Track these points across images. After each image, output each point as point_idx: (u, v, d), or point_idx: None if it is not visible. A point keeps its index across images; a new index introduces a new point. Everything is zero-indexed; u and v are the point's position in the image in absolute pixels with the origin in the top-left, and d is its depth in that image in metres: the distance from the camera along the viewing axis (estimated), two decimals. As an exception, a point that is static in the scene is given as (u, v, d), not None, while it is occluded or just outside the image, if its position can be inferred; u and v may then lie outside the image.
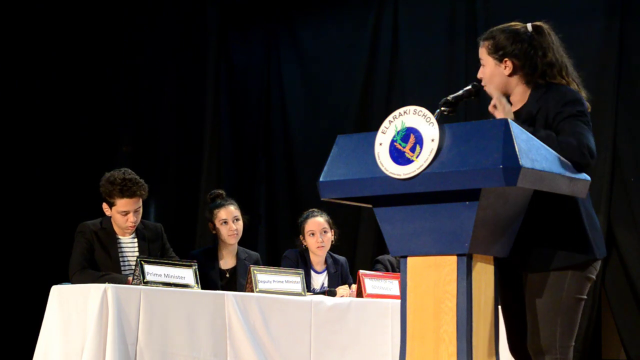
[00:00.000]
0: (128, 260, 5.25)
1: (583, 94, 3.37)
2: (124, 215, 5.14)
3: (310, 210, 6.06)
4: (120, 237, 5.23)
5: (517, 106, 3.43)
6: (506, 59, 3.38)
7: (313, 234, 5.90)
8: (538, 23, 3.43)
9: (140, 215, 5.24)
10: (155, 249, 5.35)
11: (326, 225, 5.93)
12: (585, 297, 3.30)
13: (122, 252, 5.27)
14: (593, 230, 3.30)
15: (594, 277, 3.31)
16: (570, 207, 3.27)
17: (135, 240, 5.33)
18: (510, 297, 3.32)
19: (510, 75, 3.39)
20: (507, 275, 3.28)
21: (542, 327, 3.24)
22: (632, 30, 6.74)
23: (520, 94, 3.41)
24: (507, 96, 3.46)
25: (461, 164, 2.95)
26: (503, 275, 3.26)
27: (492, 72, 3.41)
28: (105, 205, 5.18)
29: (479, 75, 3.46)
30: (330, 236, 5.95)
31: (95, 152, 7.97)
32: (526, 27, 3.42)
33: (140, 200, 5.19)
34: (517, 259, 3.27)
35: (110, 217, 5.22)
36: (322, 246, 5.90)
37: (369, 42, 7.74)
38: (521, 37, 3.39)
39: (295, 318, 4.96)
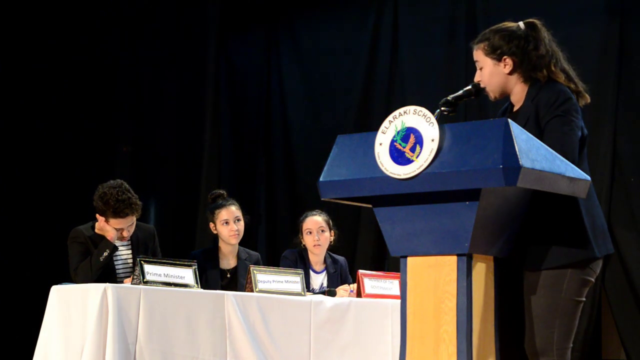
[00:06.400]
0: (122, 263, 5.25)
1: (572, 87, 3.36)
2: (118, 230, 5.18)
3: (310, 210, 6.08)
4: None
5: (517, 105, 3.43)
6: (505, 57, 3.39)
7: (310, 232, 5.92)
8: (530, 20, 3.44)
9: (134, 227, 5.28)
10: (147, 250, 5.37)
11: (323, 224, 5.94)
12: (584, 299, 3.28)
13: (116, 254, 5.27)
14: (594, 229, 3.27)
15: (592, 279, 3.28)
16: (570, 206, 3.26)
17: (129, 242, 5.34)
18: (505, 297, 3.31)
19: (510, 73, 3.40)
20: (504, 275, 3.26)
21: (539, 329, 3.23)
22: (632, 30, 6.73)
23: (519, 92, 3.42)
24: (507, 96, 3.46)
25: (461, 164, 2.94)
26: (500, 276, 3.26)
27: (491, 72, 3.41)
28: (99, 217, 5.22)
29: (476, 79, 3.45)
30: (328, 235, 5.95)
31: (95, 152, 7.98)
32: (519, 25, 3.43)
33: (134, 218, 5.21)
34: (516, 257, 3.26)
35: None
36: (319, 245, 5.91)
37: (369, 42, 7.74)
38: (517, 34, 3.40)
39: (295, 318, 4.96)
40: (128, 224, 5.19)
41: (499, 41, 3.39)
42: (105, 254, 5.09)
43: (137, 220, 5.33)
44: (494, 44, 3.40)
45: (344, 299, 5.26)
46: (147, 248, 5.40)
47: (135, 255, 5.27)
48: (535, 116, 3.30)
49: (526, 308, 3.27)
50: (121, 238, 5.23)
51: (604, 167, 6.61)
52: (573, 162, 3.15)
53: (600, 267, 3.32)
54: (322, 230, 5.93)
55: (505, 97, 3.48)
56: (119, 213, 5.11)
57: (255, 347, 4.74)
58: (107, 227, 5.16)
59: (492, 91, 3.44)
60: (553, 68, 3.37)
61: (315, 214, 5.99)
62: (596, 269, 3.29)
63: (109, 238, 5.14)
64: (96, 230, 5.20)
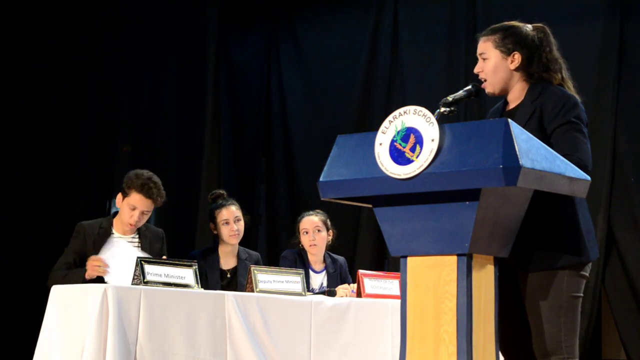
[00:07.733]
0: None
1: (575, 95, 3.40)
2: (131, 209, 5.15)
3: (308, 210, 6.08)
4: (119, 236, 5.23)
5: (513, 104, 3.44)
6: (515, 52, 3.40)
7: (307, 232, 5.93)
8: (539, 24, 3.47)
9: (145, 220, 5.25)
10: (154, 252, 5.34)
11: (320, 224, 5.95)
12: (582, 294, 3.35)
13: None
14: (588, 232, 3.34)
15: (587, 274, 3.37)
16: (569, 208, 3.30)
17: (137, 241, 5.31)
18: (505, 299, 3.32)
19: (515, 69, 3.41)
20: (503, 277, 3.27)
21: (546, 329, 3.26)
22: (632, 30, 6.73)
23: (518, 91, 3.44)
24: (505, 94, 3.47)
25: (461, 164, 2.94)
26: (500, 277, 3.27)
27: (497, 65, 3.42)
28: (119, 196, 5.21)
29: (477, 69, 3.46)
30: (324, 235, 5.95)
31: (95, 152, 7.98)
32: (528, 26, 3.45)
33: (152, 206, 5.20)
34: (516, 259, 3.28)
35: (112, 217, 5.23)
36: (315, 244, 5.91)
37: (369, 42, 7.74)
38: (529, 33, 3.43)
39: (295, 318, 4.96)
40: (145, 207, 5.17)
41: (512, 36, 3.41)
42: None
43: (147, 222, 5.31)
44: (506, 37, 3.41)
45: (344, 299, 5.26)
46: (155, 249, 5.35)
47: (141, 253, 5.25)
48: (539, 118, 3.31)
49: (530, 310, 3.30)
50: (128, 225, 5.19)
51: (604, 167, 6.61)
52: (588, 171, 3.18)
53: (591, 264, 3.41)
54: (319, 230, 5.93)
55: (501, 95, 3.48)
56: (144, 188, 5.13)
57: (256, 347, 4.74)
58: (123, 208, 5.16)
59: (492, 85, 3.44)
60: (563, 74, 3.40)
61: (312, 214, 6.00)
62: (590, 265, 3.38)
63: (116, 230, 5.15)
64: (117, 207, 5.21)
